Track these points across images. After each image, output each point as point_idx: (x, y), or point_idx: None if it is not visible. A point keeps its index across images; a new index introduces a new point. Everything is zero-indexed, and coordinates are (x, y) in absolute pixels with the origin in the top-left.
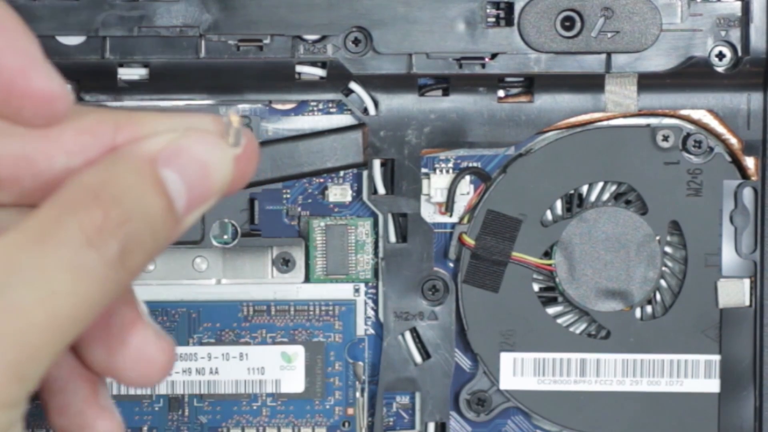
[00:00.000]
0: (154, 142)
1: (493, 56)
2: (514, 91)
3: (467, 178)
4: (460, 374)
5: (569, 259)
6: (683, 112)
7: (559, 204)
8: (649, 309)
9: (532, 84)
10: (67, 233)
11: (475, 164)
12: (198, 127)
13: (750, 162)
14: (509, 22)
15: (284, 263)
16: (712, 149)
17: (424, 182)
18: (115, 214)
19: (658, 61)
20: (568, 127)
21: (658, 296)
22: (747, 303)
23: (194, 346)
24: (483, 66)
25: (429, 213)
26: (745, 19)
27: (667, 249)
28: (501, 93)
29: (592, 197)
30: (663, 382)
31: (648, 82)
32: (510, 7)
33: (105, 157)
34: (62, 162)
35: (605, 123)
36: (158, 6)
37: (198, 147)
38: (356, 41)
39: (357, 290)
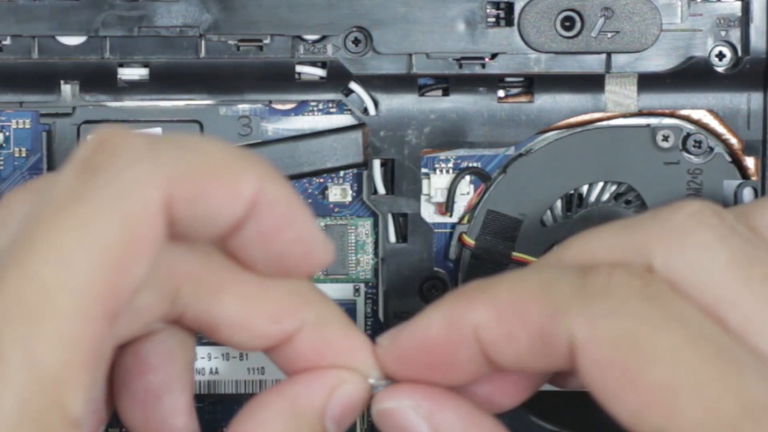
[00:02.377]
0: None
1: (493, 56)
2: (514, 91)
3: (467, 178)
4: None
5: None
6: (683, 112)
7: (559, 204)
8: None
9: (532, 84)
10: None
11: (475, 164)
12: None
13: (750, 162)
14: (509, 22)
15: None
16: (712, 149)
17: (424, 182)
18: None
19: (658, 61)
20: (568, 127)
21: None
22: None
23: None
24: (483, 66)
25: (429, 213)
26: (745, 19)
27: None
28: (501, 93)
29: (592, 197)
30: None
31: (648, 82)
32: (510, 7)
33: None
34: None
35: (605, 123)
36: (158, 6)
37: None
38: (356, 41)
39: (357, 290)
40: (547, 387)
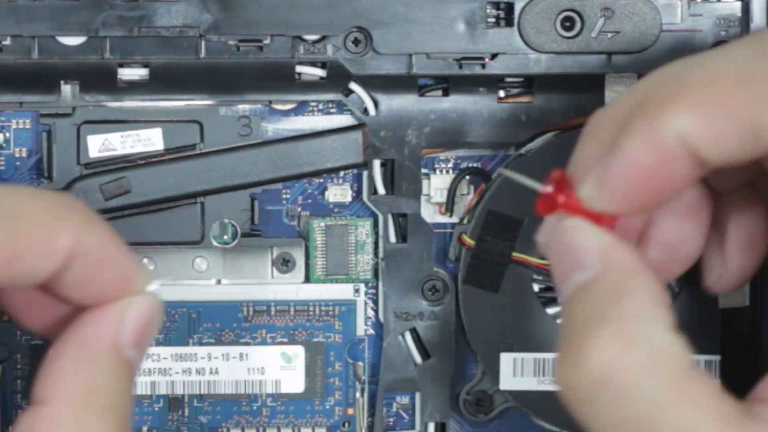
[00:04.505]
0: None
1: (493, 56)
2: (514, 91)
3: (467, 178)
4: (460, 374)
5: None
6: None
7: None
8: None
9: (532, 84)
10: None
11: (475, 164)
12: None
13: None
14: (509, 23)
15: (284, 263)
16: None
17: (424, 182)
18: None
19: (658, 61)
20: (568, 127)
21: None
22: (747, 303)
23: (194, 347)
24: (483, 66)
25: (429, 213)
26: (745, 19)
27: None
28: (501, 93)
29: None
30: None
31: None
32: (510, 8)
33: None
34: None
35: None
36: (158, 6)
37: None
38: (356, 41)
39: (357, 290)
40: (547, 387)
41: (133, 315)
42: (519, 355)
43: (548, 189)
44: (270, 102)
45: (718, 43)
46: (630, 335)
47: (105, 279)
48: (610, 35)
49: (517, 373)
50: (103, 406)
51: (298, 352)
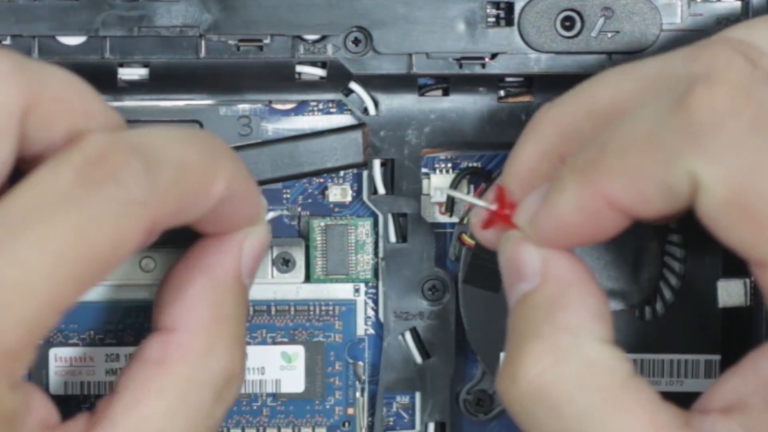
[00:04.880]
0: None
1: (493, 56)
2: (514, 91)
3: (467, 178)
4: (460, 374)
5: None
6: None
7: None
8: (648, 309)
9: (532, 84)
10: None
11: (475, 164)
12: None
13: None
14: (509, 22)
15: (284, 263)
16: None
17: (424, 182)
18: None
19: None
20: None
21: (658, 296)
22: (747, 303)
23: None
24: (483, 66)
25: (429, 213)
26: (745, 19)
27: (667, 248)
28: (501, 93)
29: None
30: (663, 382)
31: None
32: (510, 7)
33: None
34: None
35: None
36: (158, 6)
37: None
38: (356, 41)
39: (357, 290)
40: None
41: (251, 245)
42: None
43: (492, 207)
44: (270, 102)
45: None
46: (560, 349)
47: (239, 215)
48: (610, 35)
49: None
50: (231, 335)
51: (298, 351)
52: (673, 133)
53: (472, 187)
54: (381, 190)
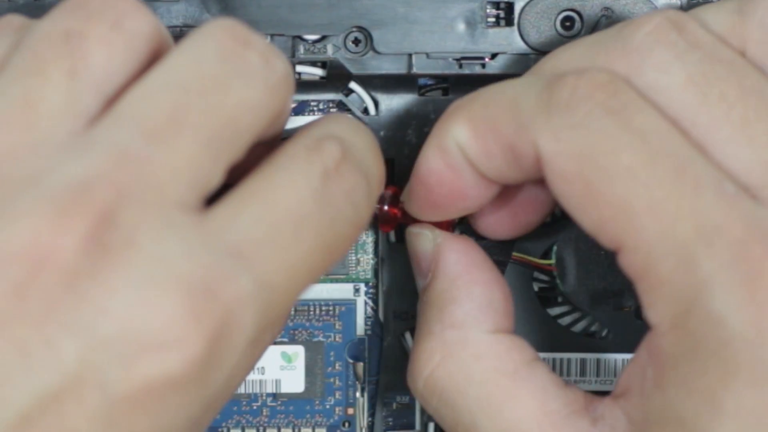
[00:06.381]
0: None
1: (493, 56)
2: None
3: None
4: None
5: (569, 259)
6: None
7: None
8: None
9: None
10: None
11: None
12: None
13: None
14: (509, 22)
15: None
16: None
17: None
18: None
19: None
20: None
21: None
22: None
23: None
24: (483, 66)
25: None
26: None
27: None
28: None
29: None
30: None
31: None
32: (510, 7)
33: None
34: None
35: None
36: (158, 6)
37: None
38: (356, 41)
39: (357, 290)
40: None
41: None
42: None
43: (384, 208)
44: None
45: None
46: (448, 345)
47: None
48: None
49: None
50: None
51: (298, 351)
52: (531, 105)
53: None
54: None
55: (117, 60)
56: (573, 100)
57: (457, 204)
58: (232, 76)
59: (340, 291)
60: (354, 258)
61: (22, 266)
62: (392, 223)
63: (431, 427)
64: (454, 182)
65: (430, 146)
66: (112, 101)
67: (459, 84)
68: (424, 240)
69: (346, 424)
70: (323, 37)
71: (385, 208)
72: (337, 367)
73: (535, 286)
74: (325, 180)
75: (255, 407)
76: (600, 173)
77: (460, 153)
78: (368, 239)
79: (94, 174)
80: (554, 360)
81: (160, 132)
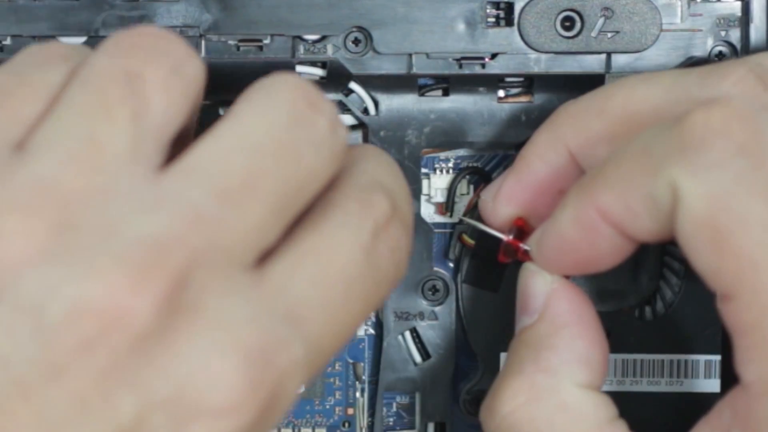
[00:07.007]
0: None
1: (493, 56)
2: (514, 91)
3: (467, 177)
4: (460, 374)
5: None
6: None
7: None
8: (649, 309)
9: (532, 84)
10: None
11: (475, 164)
12: None
13: None
14: (509, 22)
15: None
16: None
17: (424, 182)
18: None
19: (658, 61)
20: None
21: (658, 296)
22: None
23: None
24: (483, 66)
25: (429, 213)
26: (745, 19)
27: (668, 248)
28: (501, 93)
29: None
30: (663, 382)
31: None
32: (510, 7)
33: None
34: None
35: None
36: (158, 6)
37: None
38: (356, 41)
39: None
40: None
41: None
42: None
43: (509, 238)
44: None
45: (718, 43)
46: (536, 389)
47: None
48: (609, 35)
49: None
50: None
51: None
52: (663, 146)
53: (472, 187)
54: None
55: (176, 106)
56: (706, 135)
57: (589, 267)
58: (304, 143)
59: None
60: None
61: (95, 323)
62: (513, 258)
63: (431, 427)
64: (591, 249)
65: (566, 218)
66: (168, 149)
67: (459, 84)
68: (540, 280)
69: (346, 424)
70: (323, 37)
71: (510, 237)
72: (336, 367)
73: None
74: (374, 238)
75: None
76: (731, 220)
77: (602, 221)
78: None
79: (170, 234)
80: None
81: (233, 194)
